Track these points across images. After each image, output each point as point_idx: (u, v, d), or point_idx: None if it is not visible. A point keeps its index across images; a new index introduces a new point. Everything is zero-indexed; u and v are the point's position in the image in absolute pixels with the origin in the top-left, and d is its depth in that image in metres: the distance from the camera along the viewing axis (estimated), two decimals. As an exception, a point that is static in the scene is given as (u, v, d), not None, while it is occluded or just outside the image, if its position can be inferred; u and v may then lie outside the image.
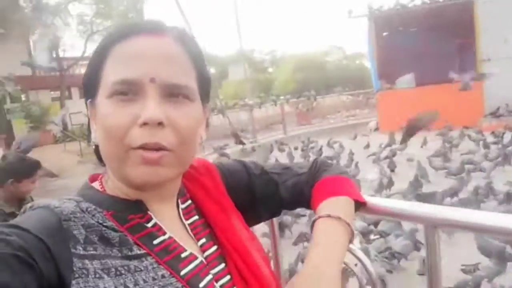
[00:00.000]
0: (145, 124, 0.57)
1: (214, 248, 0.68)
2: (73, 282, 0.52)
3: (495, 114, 10.94)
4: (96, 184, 0.66)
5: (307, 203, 0.80)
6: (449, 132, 9.60)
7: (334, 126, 14.18)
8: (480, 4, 11.30)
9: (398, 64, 13.06)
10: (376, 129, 12.69)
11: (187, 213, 0.70)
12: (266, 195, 0.81)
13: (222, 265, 0.67)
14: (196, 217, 0.70)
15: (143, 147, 0.57)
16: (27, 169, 2.36)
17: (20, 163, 2.37)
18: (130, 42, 0.60)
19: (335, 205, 0.74)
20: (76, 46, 25.82)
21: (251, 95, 21.71)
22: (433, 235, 0.84)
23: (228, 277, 0.66)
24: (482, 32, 11.27)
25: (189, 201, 0.72)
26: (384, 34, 14.32)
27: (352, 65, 30.40)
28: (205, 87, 0.67)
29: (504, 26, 10.77)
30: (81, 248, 0.54)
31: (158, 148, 0.58)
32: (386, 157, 7.86)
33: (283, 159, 8.16)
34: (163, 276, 0.58)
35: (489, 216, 0.76)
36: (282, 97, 15.48)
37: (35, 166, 2.37)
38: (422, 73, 12.90)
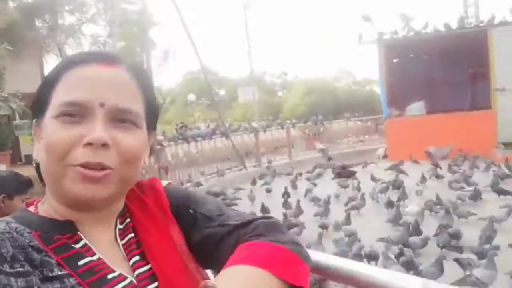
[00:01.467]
0: (89, 144, 0.59)
1: (147, 267, 0.66)
2: None
3: (509, 145, 10.57)
4: (31, 208, 0.67)
5: (221, 263, 0.64)
6: (462, 162, 9.26)
7: (342, 152, 13.90)
8: (495, 33, 11.07)
9: (409, 91, 12.85)
10: (385, 156, 12.39)
11: (123, 233, 0.69)
12: (184, 232, 0.73)
13: (155, 284, 0.64)
14: (132, 235, 0.69)
15: (84, 166, 0.59)
16: (21, 186, 2.26)
17: (13, 179, 2.28)
18: (84, 69, 0.63)
19: (237, 278, 0.60)
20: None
21: (259, 118, 21.66)
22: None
23: None
24: (497, 61, 11.01)
25: (127, 220, 0.70)
26: (394, 60, 14.16)
27: (361, 90, 30.31)
28: (153, 116, 0.70)
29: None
30: (7, 266, 0.55)
31: (101, 168, 0.59)
32: (394, 187, 7.53)
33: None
34: None
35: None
36: (288, 122, 15.26)
37: (28, 183, 2.27)
38: (433, 101, 12.65)
